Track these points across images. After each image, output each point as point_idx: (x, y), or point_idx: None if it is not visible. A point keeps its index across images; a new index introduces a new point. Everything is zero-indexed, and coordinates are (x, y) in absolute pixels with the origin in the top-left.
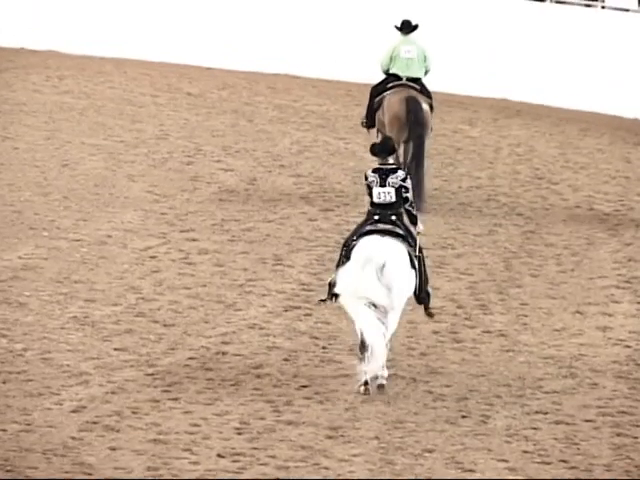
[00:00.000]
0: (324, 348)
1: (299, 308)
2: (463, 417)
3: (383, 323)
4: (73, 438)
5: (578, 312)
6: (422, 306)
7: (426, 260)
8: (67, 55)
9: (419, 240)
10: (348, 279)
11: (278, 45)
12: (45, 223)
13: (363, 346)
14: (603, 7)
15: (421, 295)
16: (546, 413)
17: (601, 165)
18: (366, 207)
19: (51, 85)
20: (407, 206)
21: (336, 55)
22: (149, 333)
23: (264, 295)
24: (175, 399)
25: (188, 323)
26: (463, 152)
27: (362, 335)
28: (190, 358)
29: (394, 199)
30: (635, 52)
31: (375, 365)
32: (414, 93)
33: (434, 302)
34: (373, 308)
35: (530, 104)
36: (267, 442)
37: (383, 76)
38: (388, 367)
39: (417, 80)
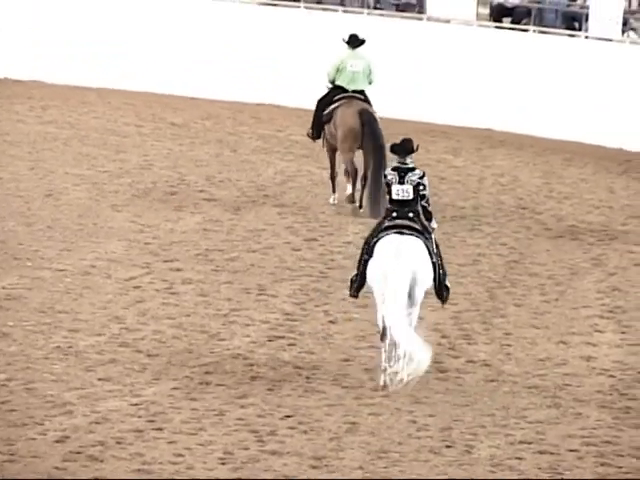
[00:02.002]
0: (308, 378)
1: (283, 338)
2: (447, 447)
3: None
4: (57, 468)
5: (562, 342)
6: (439, 299)
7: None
8: (51, 85)
9: (434, 235)
10: (378, 270)
11: (262, 75)
12: (29, 253)
13: (384, 334)
14: (586, 37)
15: (440, 289)
16: (530, 443)
17: (585, 195)
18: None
19: (35, 115)
20: (423, 202)
21: (320, 85)
22: (133, 363)
23: (248, 325)
24: (159, 429)
25: (172, 353)
26: (447, 182)
27: (384, 324)
28: (174, 388)
29: (411, 196)
30: (618, 82)
31: (406, 349)
32: (365, 105)
33: (419, 332)
34: (400, 299)
35: (514, 134)
36: (251, 472)
37: (327, 88)
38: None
39: (362, 92)
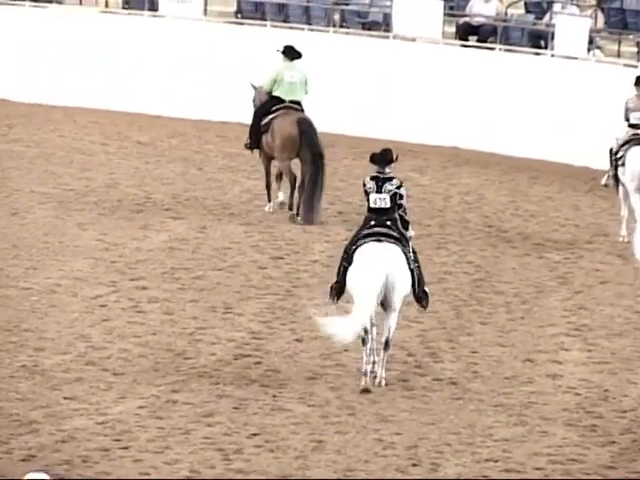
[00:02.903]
0: (274, 396)
1: (249, 356)
2: (413, 465)
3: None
4: None
5: (528, 360)
6: (419, 304)
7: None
8: (16, 103)
9: (412, 243)
10: (357, 277)
11: (228, 93)
12: None
13: (364, 342)
14: (552, 55)
15: (419, 294)
16: (496, 461)
17: (551, 213)
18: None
19: (0, 134)
20: (400, 212)
21: None
22: (99, 382)
23: (214, 343)
24: (125, 448)
25: (138, 371)
26: (413, 200)
27: (364, 330)
28: (140, 407)
29: (389, 205)
30: (584, 100)
31: (352, 321)
32: (303, 115)
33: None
34: (370, 301)
35: (480, 152)
36: None
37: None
38: (388, 369)
39: (298, 103)
